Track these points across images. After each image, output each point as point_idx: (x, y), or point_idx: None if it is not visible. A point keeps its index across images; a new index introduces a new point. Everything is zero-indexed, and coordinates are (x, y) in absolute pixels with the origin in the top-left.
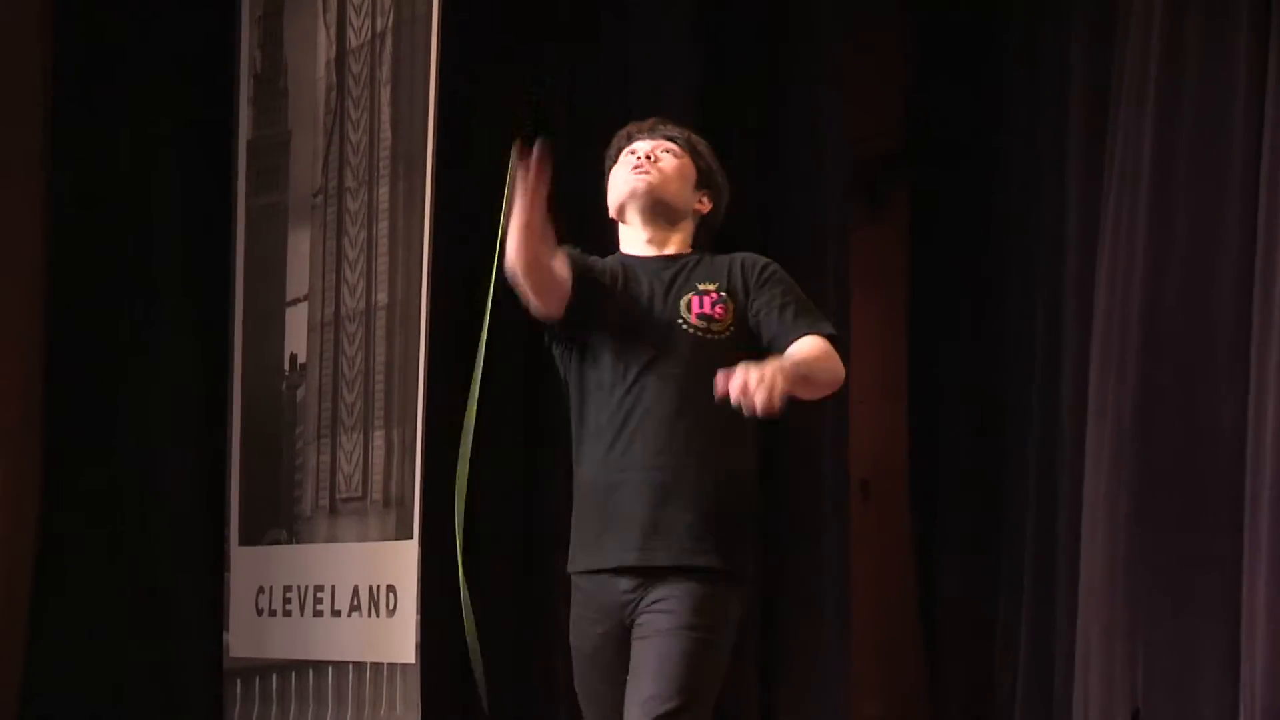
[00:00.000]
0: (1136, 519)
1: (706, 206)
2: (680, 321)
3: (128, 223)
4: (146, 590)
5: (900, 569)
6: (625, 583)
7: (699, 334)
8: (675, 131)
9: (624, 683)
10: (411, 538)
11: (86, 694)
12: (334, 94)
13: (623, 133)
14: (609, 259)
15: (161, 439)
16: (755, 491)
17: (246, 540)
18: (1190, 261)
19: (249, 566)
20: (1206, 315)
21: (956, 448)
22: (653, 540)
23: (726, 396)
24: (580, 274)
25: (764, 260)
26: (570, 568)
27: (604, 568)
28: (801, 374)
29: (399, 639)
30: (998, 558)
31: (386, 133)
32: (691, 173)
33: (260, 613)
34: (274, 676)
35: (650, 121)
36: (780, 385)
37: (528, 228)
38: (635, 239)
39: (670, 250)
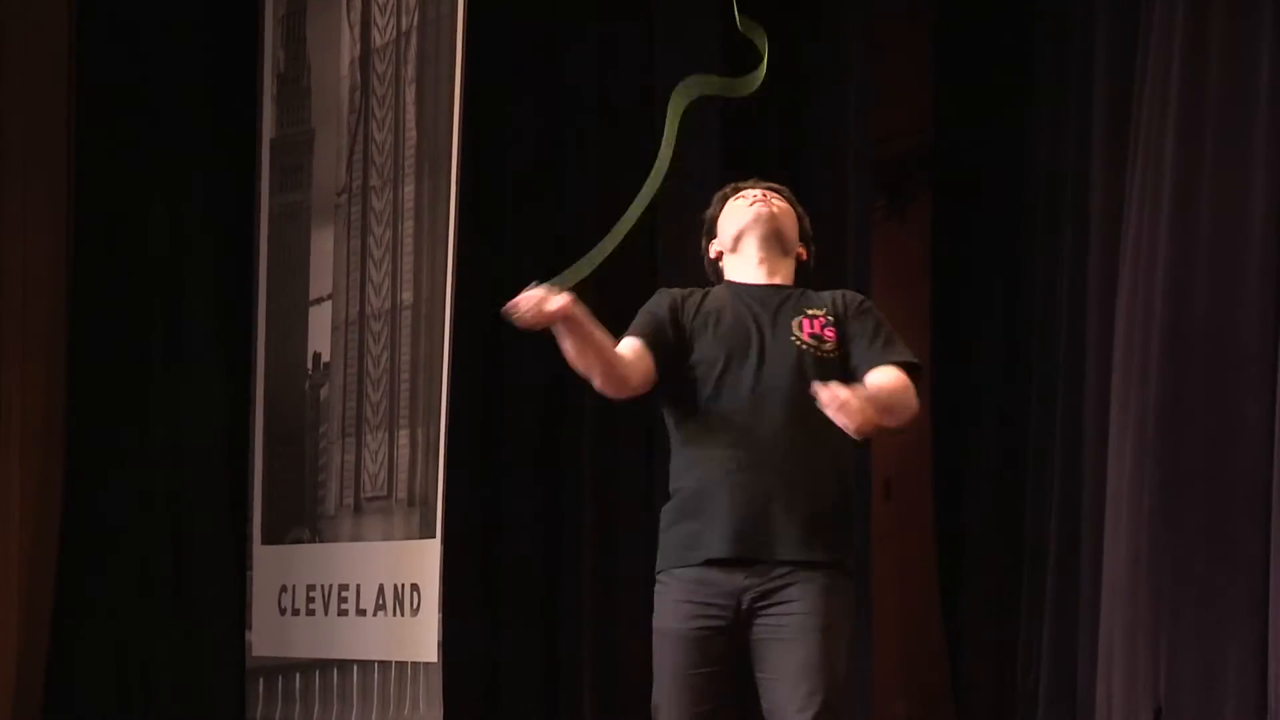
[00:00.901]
0: (1159, 516)
1: (805, 254)
2: (794, 339)
3: (152, 223)
4: (170, 589)
5: (923, 568)
6: (741, 576)
7: (811, 350)
8: (779, 187)
9: (730, 674)
10: (434, 536)
11: (111, 692)
12: (358, 93)
13: (727, 187)
14: (710, 295)
15: (185, 438)
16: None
17: (269, 539)
18: (1214, 258)
19: (272, 565)
20: (1230, 312)
21: (980, 446)
22: (772, 534)
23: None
24: (657, 347)
25: (861, 296)
26: (673, 563)
27: (724, 557)
28: (885, 405)
29: (422, 638)
30: (1021, 556)
31: (412, 131)
32: (794, 220)
33: (283, 612)
34: (296, 675)
35: (752, 180)
36: (870, 415)
37: (598, 373)
38: (748, 265)
39: (779, 279)
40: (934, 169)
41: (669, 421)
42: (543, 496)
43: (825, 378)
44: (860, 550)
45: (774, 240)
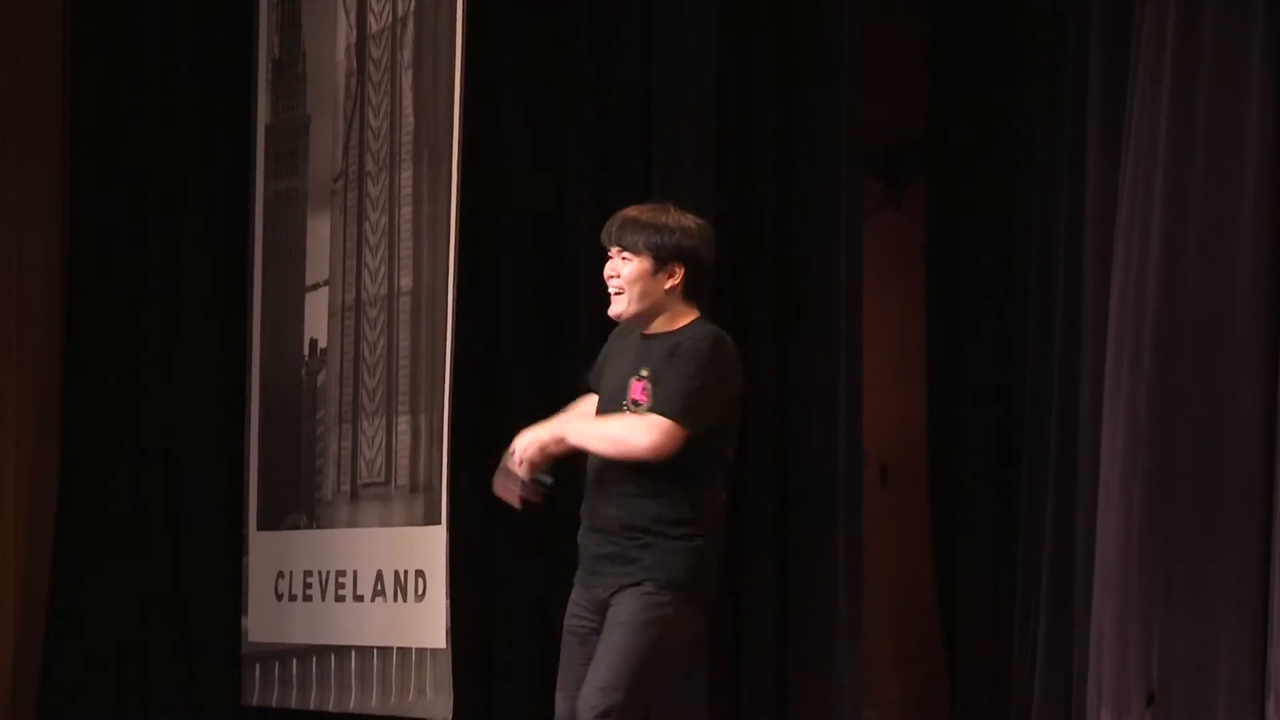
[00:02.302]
0: (1152, 503)
1: (678, 278)
2: (624, 403)
3: (147, 210)
4: (167, 575)
5: (918, 554)
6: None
7: (630, 411)
8: (623, 234)
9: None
10: (440, 523)
11: (107, 677)
12: (354, 79)
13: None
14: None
15: (182, 425)
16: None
17: (265, 525)
18: (1207, 244)
19: (268, 551)
20: (1223, 298)
21: (975, 433)
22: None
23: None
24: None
25: (694, 343)
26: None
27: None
28: (580, 437)
29: (428, 624)
30: (1016, 543)
31: (410, 118)
32: (648, 266)
33: (280, 597)
34: (293, 661)
35: (608, 229)
36: (531, 456)
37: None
38: None
39: (653, 329)
40: (929, 155)
41: None
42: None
43: None
44: (852, 534)
45: (634, 322)
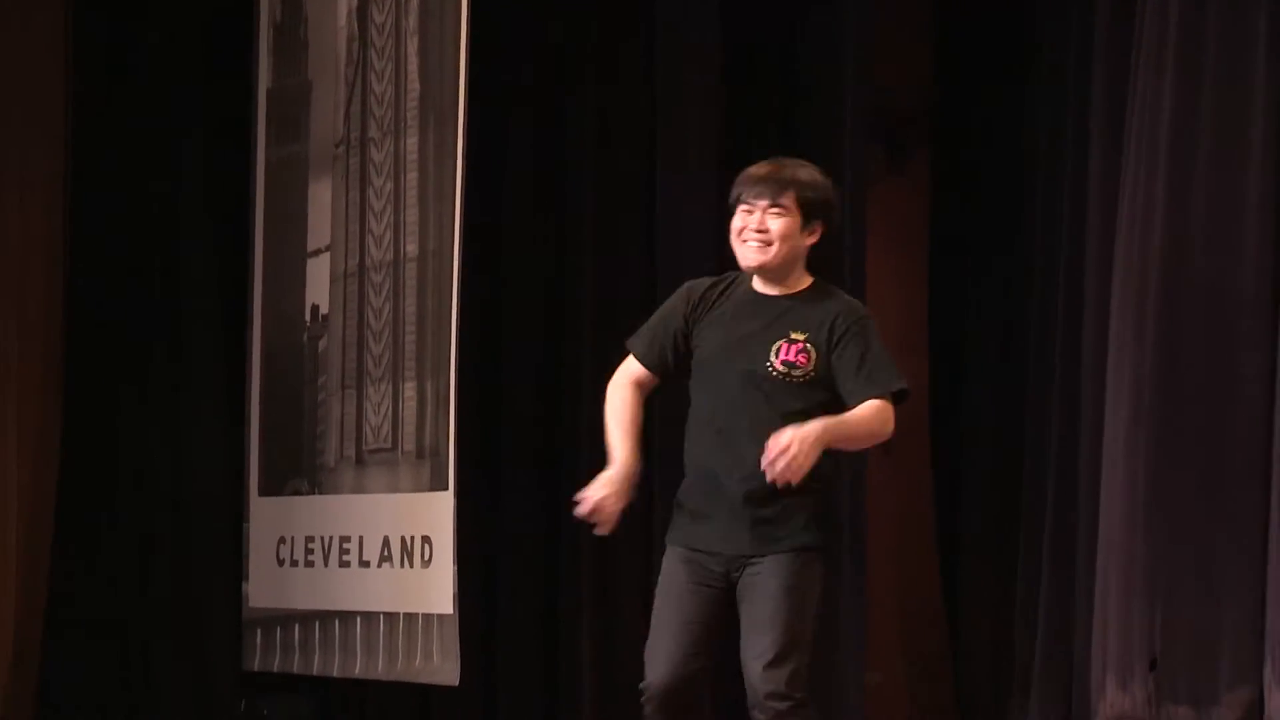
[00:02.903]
0: (1156, 474)
1: (816, 237)
2: (768, 365)
3: (149, 176)
4: (169, 541)
5: (921, 526)
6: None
7: (781, 377)
8: (780, 190)
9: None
10: (447, 489)
11: (109, 644)
12: (356, 44)
13: (741, 179)
14: (732, 286)
15: (183, 390)
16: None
17: (266, 491)
18: (1212, 215)
19: (269, 517)
20: (1228, 270)
21: (978, 402)
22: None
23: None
24: (658, 367)
25: (855, 316)
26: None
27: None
28: (839, 436)
29: (435, 589)
30: (1018, 513)
31: (415, 83)
32: (798, 222)
33: (281, 563)
34: (296, 626)
35: (763, 174)
36: (805, 458)
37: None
38: (755, 278)
39: (782, 289)
40: (933, 124)
41: None
42: (545, 449)
43: (789, 402)
44: (856, 505)
45: (769, 274)
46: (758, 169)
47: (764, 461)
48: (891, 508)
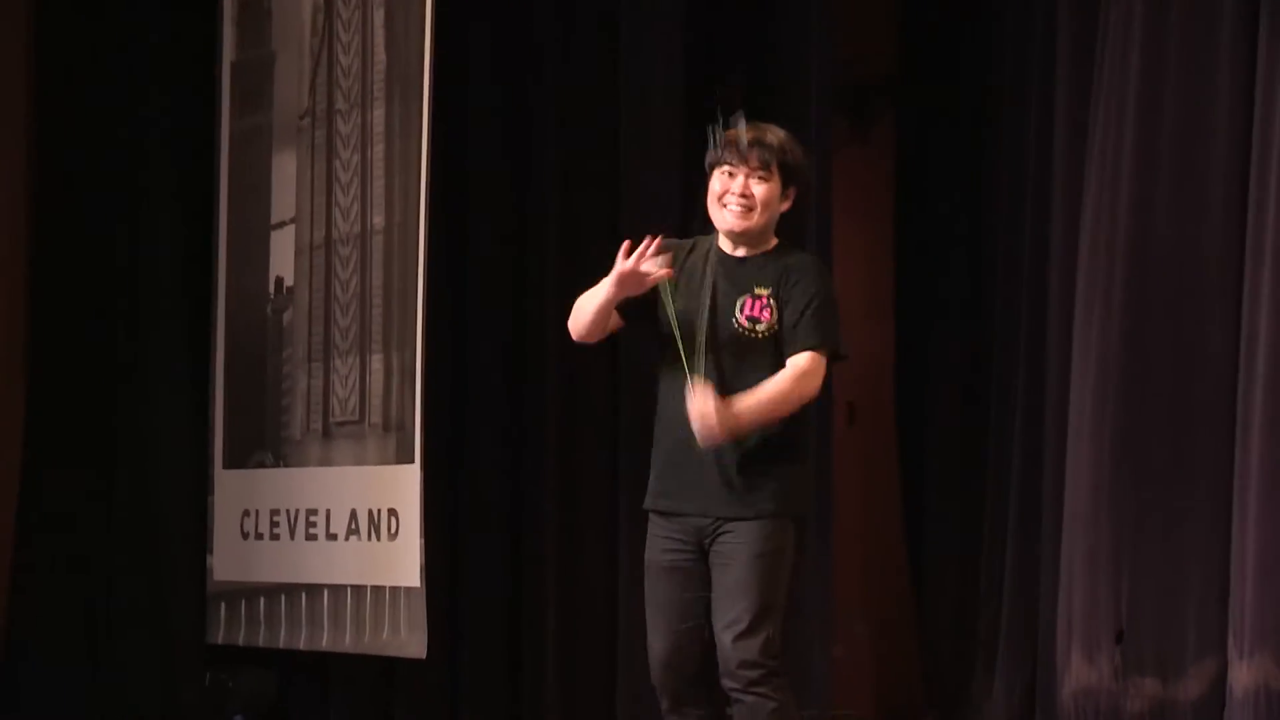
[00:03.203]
0: (1122, 441)
1: (789, 204)
2: (734, 320)
3: (113, 147)
4: (132, 514)
5: (886, 492)
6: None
7: (745, 332)
8: (764, 156)
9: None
10: (413, 461)
11: (72, 616)
12: (321, 15)
13: (723, 141)
14: (696, 248)
15: (147, 362)
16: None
17: (231, 463)
18: (1178, 181)
19: (233, 490)
20: (1195, 235)
21: (943, 371)
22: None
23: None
24: (626, 315)
25: (810, 269)
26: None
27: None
28: (753, 420)
29: (402, 562)
30: (984, 480)
31: (381, 55)
32: (778, 188)
33: (246, 536)
34: (261, 600)
35: (747, 138)
36: (722, 437)
37: (589, 327)
38: (724, 239)
39: (751, 251)
40: (897, 91)
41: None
42: (510, 420)
43: (758, 359)
44: (822, 474)
45: (745, 237)
46: (740, 133)
47: (692, 421)
48: (856, 478)
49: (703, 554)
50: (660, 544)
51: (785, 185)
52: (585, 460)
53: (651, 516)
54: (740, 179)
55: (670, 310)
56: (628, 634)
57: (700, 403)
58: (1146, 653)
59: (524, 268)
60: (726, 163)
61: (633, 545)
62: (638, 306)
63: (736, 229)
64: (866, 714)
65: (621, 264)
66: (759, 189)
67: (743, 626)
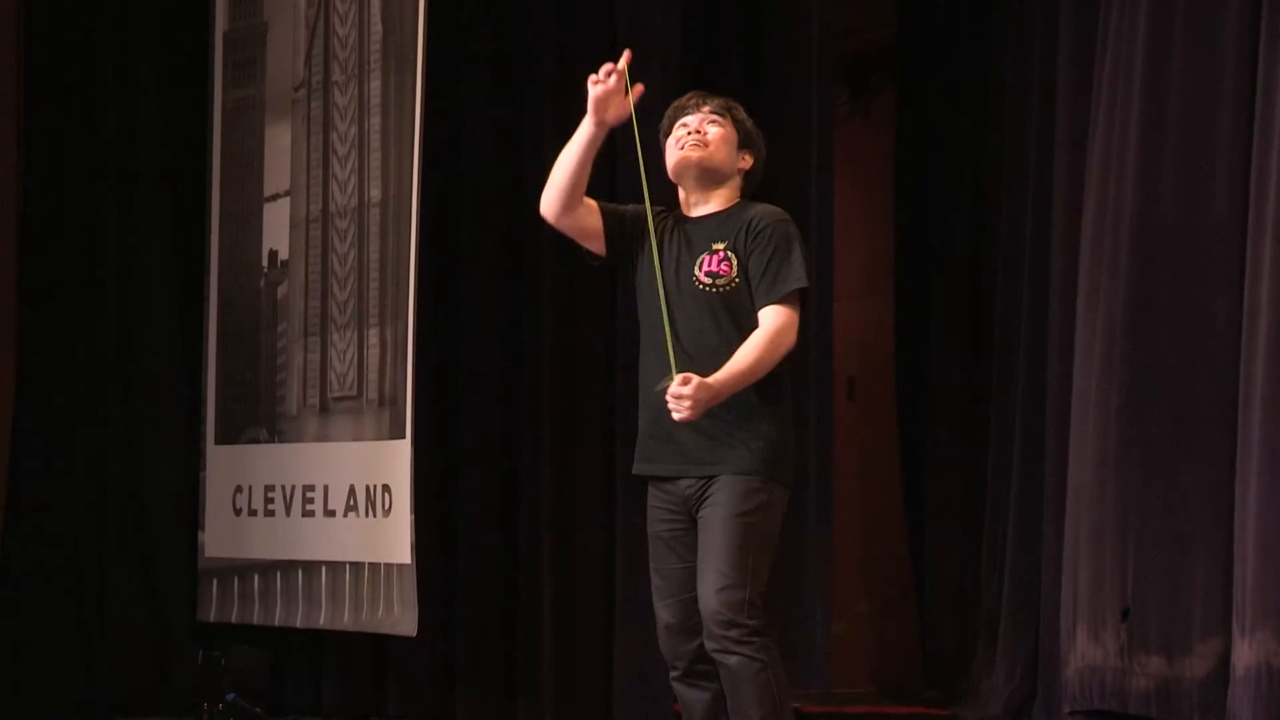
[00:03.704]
0: (1127, 415)
1: (749, 163)
2: (694, 279)
3: (103, 120)
4: (124, 489)
5: (886, 467)
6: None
7: (708, 289)
8: (717, 104)
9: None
10: (405, 437)
11: (63, 592)
12: None
13: (671, 109)
14: (667, 217)
15: (139, 336)
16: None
17: (223, 439)
18: (1184, 152)
19: (225, 466)
20: (1199, 209)
21: (944, 345)
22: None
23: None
24: (609, 218)
25: (772, 220)
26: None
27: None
28: (735, 389)
29: (394, 539)
30: (985, 456)
31: (377, 25)
32: (734, 137)
33: (238, 512)
34: (255, 577)
35: (693, 97)
36: (698, 408)
37: (564, 184)
38: (684, 199)
39: (711, 208)
40: (898, 64)
41: None
42: (505, 397)
43: (724, 314)
44: (822, 450)
45: (703, 179)
46: (686, 96)
47: (668, 398)
48: (856, 452)
49: (693, 522)
50: (657, 514)
51: (742, 144)
52: (582, 433)
53: (649, 488)
54: (695, 121)
55: (656, 259)
56: (623, 606)
57: (676, 386)
58: (1152, 630)
59: (517, 240)
60: (679, 119)
61: (628, 517)
62: (620, 239)
63: (692, 159)
64: (867, 692)
65: (593, 90)
66: (713, 129)
67: (720, 585)
